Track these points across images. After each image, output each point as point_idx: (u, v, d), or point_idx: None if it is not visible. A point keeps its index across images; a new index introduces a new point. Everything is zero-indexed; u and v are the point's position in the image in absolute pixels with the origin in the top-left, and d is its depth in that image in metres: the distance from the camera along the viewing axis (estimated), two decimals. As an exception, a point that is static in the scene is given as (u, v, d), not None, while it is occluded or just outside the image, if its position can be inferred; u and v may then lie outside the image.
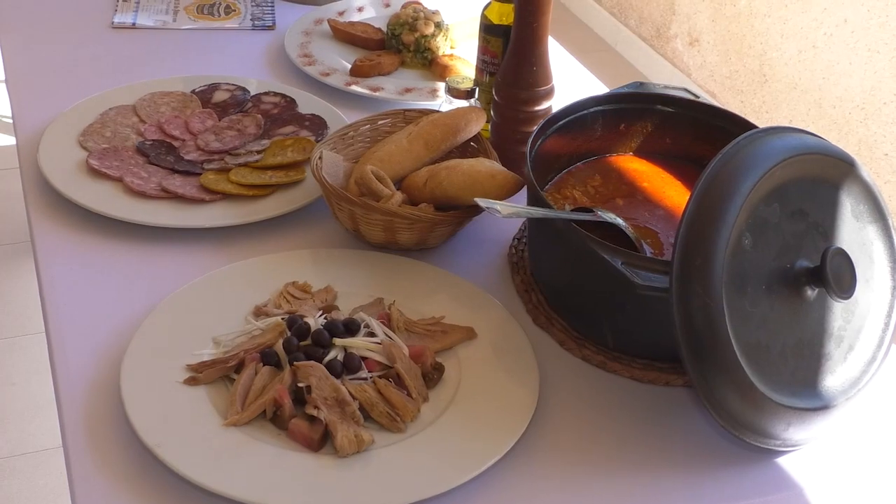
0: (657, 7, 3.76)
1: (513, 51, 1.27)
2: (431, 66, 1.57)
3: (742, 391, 0.90)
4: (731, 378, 0.89)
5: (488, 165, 1.15)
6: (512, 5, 1.31)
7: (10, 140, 3.09)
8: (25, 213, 1.25)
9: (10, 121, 1.44)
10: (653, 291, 0.92)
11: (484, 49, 1.35)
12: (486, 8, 1.33)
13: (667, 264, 0.92)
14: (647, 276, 0.93)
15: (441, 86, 1.51)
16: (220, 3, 1.75)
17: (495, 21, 1.32)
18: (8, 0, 1.70)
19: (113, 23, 1.65)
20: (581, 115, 1.21)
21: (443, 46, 1.58)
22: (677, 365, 1.04)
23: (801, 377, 0.94)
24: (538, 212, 0.98)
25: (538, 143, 1.14)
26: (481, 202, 0.94)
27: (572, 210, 1.11)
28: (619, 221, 1.08)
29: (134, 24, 1.66)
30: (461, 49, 1.62)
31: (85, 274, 1.13)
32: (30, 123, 1.37)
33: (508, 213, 0.94)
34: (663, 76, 3.72)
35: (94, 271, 1.13)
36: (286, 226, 1.22)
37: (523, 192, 1.14)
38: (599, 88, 1.60)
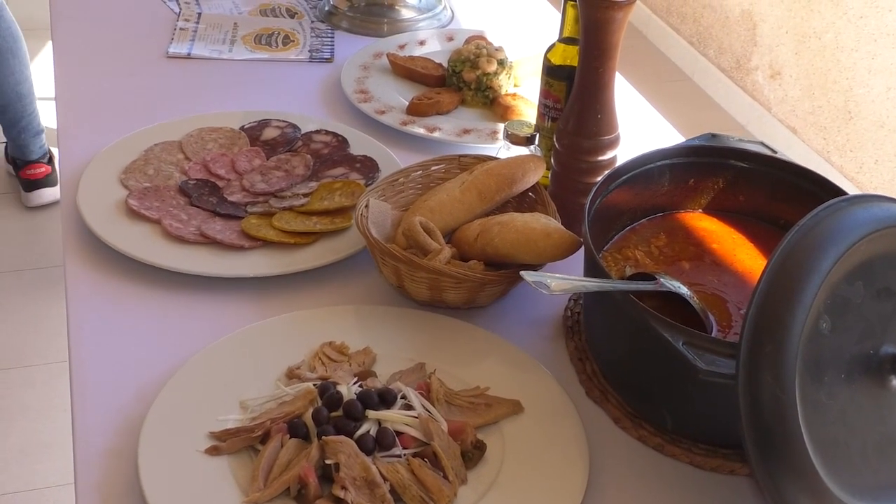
0: (738, 38, 3.64)
1: (576, 96, 1.19)
2: (493, 105, 1.49)
3: (814, 494, 0.80)
4: (802, 479, 0.80)
5: (544, 223, 1.07)
6: (577, 48, 1.23)
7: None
8: (62, 246, 1.21)
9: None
10: (717, 377, 0.83)
11: (546, 93, 1.27)
12: (549, 50, 1.25)
13: (734, 347, 0.83)
14: (712, 360, 0.84)
15: (502, 128, 1.43)
16: (278, 34, 1.70)
17: (559, 64, 1.24)
18: (64, 26, 1.67)
19: (168, 52, 1.61)
20: (648, 169, 1.13)
21: (505, 85, 1.51)
22: (744, 452, 0.95)
23: (884, 480, 0.84)
24: (592, 284, 0.90)
25: (598, 199, 1.06)
26: (527, 276, 0.86)
27: (632, 276, 1.03)
28: (684, 290, 0.99)
29: (189, 54, 1.61)
30: (525, 87, 1.55)
31: (115, 321, 1.07)
32: (75, 156, 1.33)
33: (559, 289, 0.86)
34: (742, 109, 3.60)
35: (125, 318, 1.08)
36: (328, 277, 1.15)
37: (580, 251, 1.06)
38: (670, 133, 1.51)
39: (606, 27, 1.14)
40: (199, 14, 1.74)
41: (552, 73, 1.25)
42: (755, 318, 0.81)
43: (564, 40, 1.24)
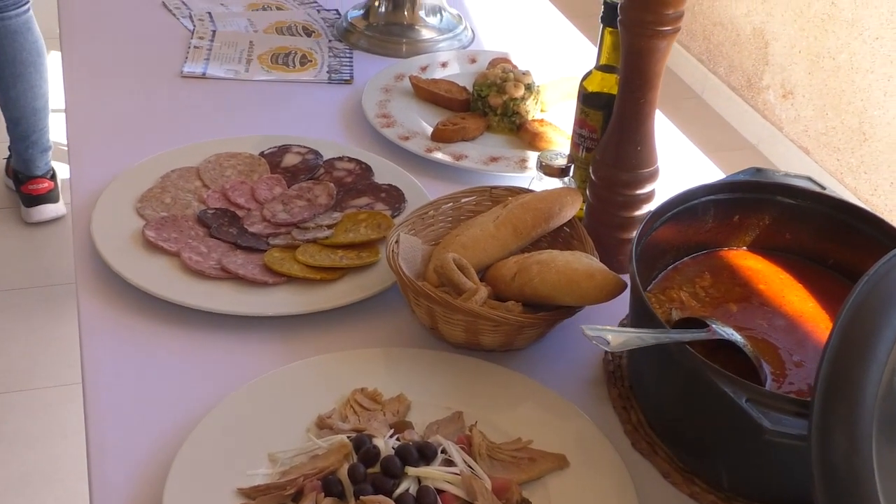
0: (749, 56, 3.59)
1: (615, 127, 1.14)
2: (520, 131, 1.44)
3: (891, 566, 0.75)
4: (878, 549, 0.75)
5: (586, 263, 1.01)
6: (615, 76, 1.18)
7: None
8: (75, 283, 1.15)
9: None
10: (784, 438, 0.77)
11: (581, 122, 1.21)
12: (585, 77, 1.20)
13: (803, 406, 0.78)
14: (778, 419, 0.79)
15: (531, 155, 1.39)
16: (295, 53, 1.65)
17: (596, 92, 1.19)
18: (75, 45, 1.61)
19: (182, 72, 1.56)
20: (692, 205, 1.08)
21: (532, 110, 1.46)
22: (802, 511, 0.89)
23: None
24: (650, 337, 0.84)
25: (644, 238, 1.01)
26: (588, 331, 0.81)
27: (680, 321, 0.97)
28: (737, 338, 0.93)
29: (204, 73, 1.56)
30: (552, 113, 1.50)
31: (133, 363, 1.02)
32: (87, 182, 1.27)
33: (619, 345, 0.81)
34: (753, 128, 3.55)
35: (143, 359, 1.02)
36: (355, 314, 1.09)
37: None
38: (705, 168, 1.46)
39: (649, 56, 1.09)
40: (214, 31, 1.69)
41: (588, 101, 1.20)
42: (827, 377, 0.76)
43: (602, 68, 1.19)
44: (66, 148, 2.51)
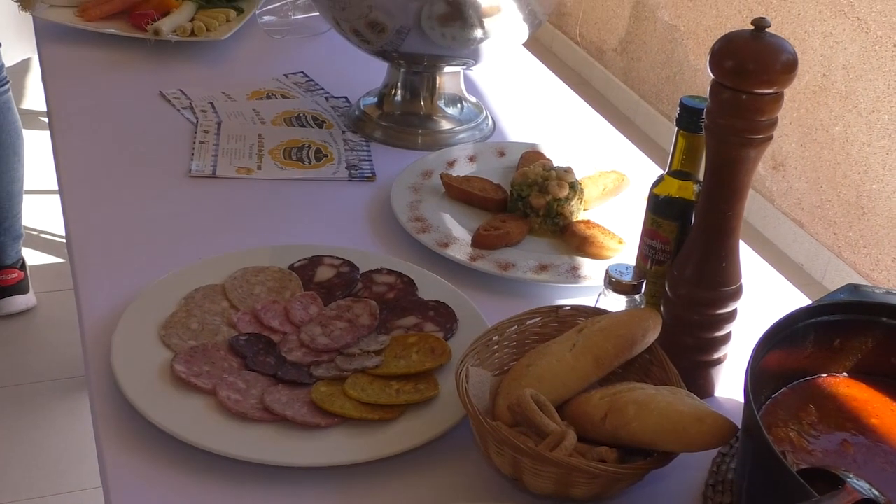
0: (734, 127, 3.54)
1: (696, 242, 1.04)
2: (564, 233, 1.33)
3: None
4: None
5: (690, 404, 0.90)
6: (691, 183, 1.08)
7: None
8: (92, 423, 1.02)
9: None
10: None
11: (652, 233, 1.11)
12: (656, 184, 1.10)
13: None
14: None
15: (581, 262, 1.28)
16: (309, 147, 1.53)
17: (669, 200, 1.09)
18: (68, 141, 1.48)
19: (190, 171, 1.43)
20: (793, 330, 0.97)
21: (577, 211, 1.35)
22: None
23: None
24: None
25: (755, 373, 0.90)
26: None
27: (802, 472, 0.86)
28: (877, 495, 0.82)
29: (214, 172, 1.44)
30: (594, 212, 1.39)
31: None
32: (99, 308, 1.14)
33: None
34: (741, 200, 3.49)
35: (182, 523, 0.89)
36: (420, 459, 0.97)
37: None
38: (772, 279, 1.36)
39: (739, 165, 0.99)
40: (219, 123, 1.57)
41: (661, 211, 1.10)
42: None
43: (675, 174, 1.09)
44: (35, 233, 2.33)
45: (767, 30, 0.95)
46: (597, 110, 1.79)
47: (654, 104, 4.06)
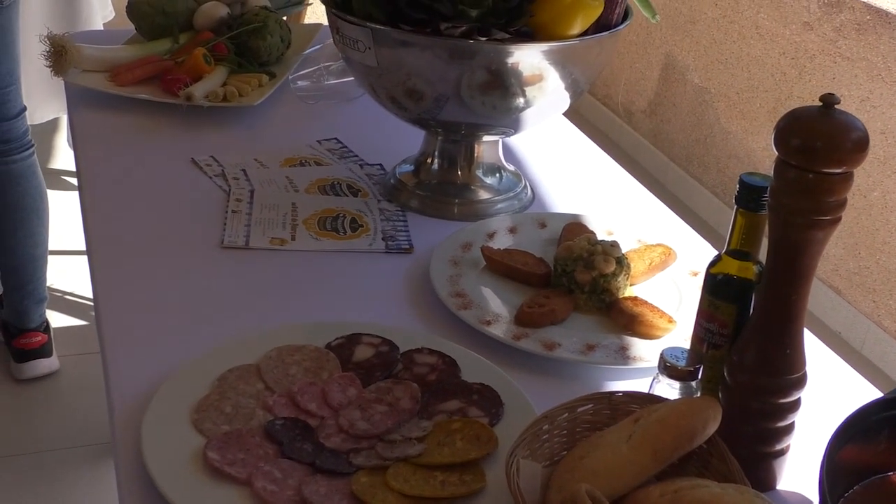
0: (767, 190, 3.49)
1: (758, 327, 0.98)
2: (611, 311, 1.28)
3: None
4: None
5: (759, 504, 0.84)
6: (751, 264, 1.03)
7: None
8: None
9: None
10: None
11: (709, 315, 1.05)
12: (713, 264, 1.05)
13: None
14: None
15: (630, 342, 1.22)
16: (344, 216, 1.49)
17: (728, 281, 1.04)
18: (100, 215, 1.45)
19: (223, 242, 1.39)
20: (867, 424, 0.91)
21: (623, 287, 1.30)
22: None
23: None
24: None
25: (829, 471, 0.83)
26: None
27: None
28: None
29: (247, 244, 1.39)
30: (640, 287, 1.34)
31: None
32: (129, 386, 1.09)
33: None
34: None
35: None
36: (466, 559, 0.91)
37: None
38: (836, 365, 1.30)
39: (805, 248, 0.94)
40: (252, 192, 1.53)
41: (719, 292, 1.04)
42: None
43: (734, 253, 1.04)
44: (59, 294, 2.29)
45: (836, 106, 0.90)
46: (641, 182, 1.74)
47: (683, 167, 4.02)
